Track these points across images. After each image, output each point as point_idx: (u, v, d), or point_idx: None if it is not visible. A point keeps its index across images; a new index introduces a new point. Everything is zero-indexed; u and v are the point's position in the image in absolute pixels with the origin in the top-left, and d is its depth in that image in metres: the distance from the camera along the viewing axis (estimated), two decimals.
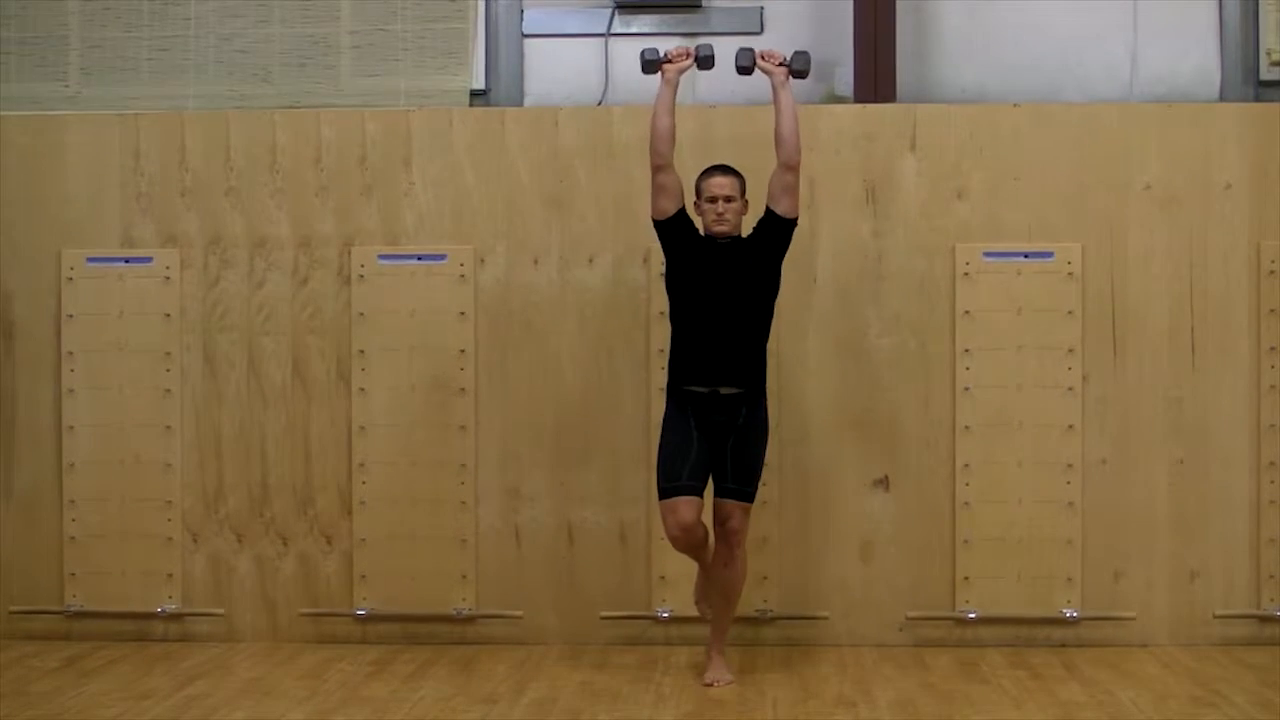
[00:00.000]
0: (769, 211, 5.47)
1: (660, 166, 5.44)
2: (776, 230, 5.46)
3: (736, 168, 5.53)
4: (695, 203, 5.51)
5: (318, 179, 6.27)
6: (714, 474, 5.41)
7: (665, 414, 5.50)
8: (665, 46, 5.63)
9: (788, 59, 5.55)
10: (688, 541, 5.37)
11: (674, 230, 5.45)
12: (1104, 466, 6.06)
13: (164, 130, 6.31)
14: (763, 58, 5.57)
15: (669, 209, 5.44)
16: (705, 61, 5.60)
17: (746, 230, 5.51)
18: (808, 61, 5.55)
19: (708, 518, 5.42)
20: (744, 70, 5.60)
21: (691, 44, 6.56)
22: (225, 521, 6.27)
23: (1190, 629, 6.03)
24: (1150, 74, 6.48)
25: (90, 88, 6.68)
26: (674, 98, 5.49)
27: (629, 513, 6.14)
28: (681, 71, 5.54)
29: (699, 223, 5.50)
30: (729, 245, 5.45)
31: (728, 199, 5.43)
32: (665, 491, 5.35)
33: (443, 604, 6.17)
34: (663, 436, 5.46)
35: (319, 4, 6.62)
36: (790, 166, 5.44)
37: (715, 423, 5.37)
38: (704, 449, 5.37)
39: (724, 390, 5.38)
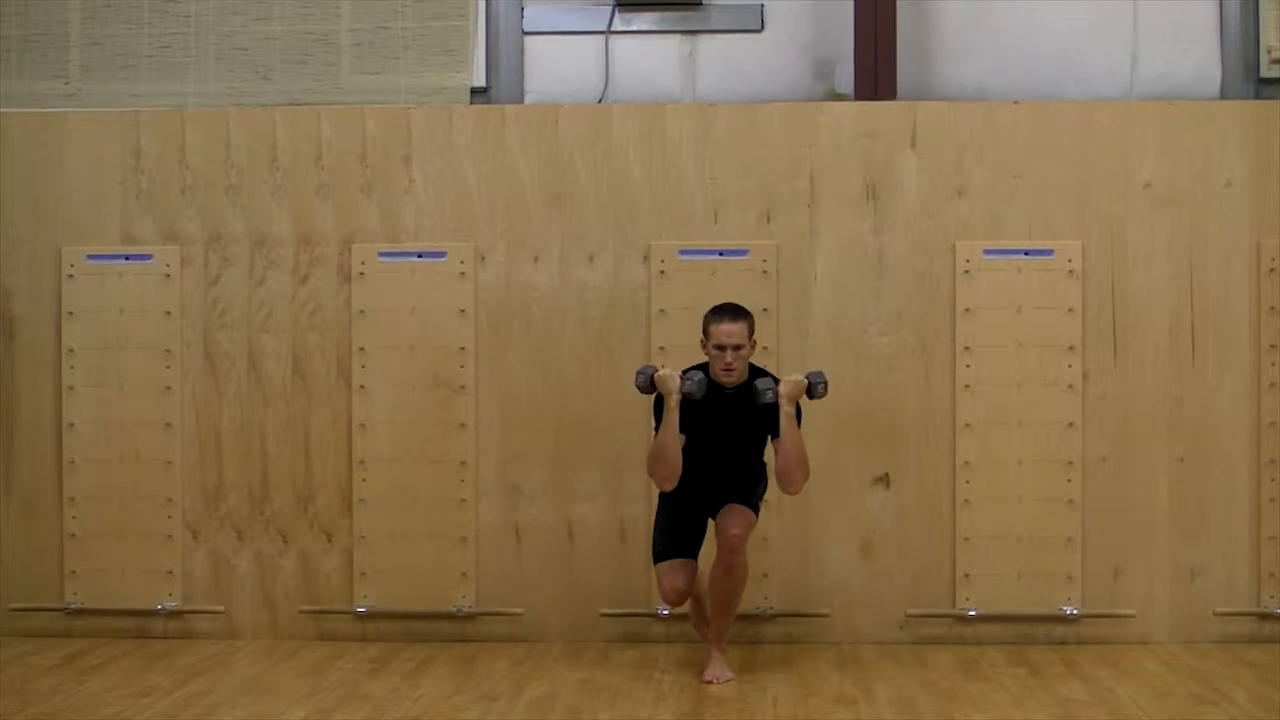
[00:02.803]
0: (772, 423, 5.39)
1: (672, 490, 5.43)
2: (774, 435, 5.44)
3: (746, 308, 5.49)
4: (702, 342, 5.48)
5: (318, 176, 6.27)
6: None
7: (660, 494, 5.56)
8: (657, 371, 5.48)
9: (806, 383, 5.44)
10: (680, 601, 5.52)
11: (686, 422, 5.41)
12: (1104, 464, 6.06)
13: (164, 127, 6.31)
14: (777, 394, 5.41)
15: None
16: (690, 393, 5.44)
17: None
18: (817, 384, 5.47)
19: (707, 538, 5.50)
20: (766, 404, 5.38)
21: (692, 42, 6.59)
22: (225, 519, 6.27)
23: (1190, 626, 6.04)
24: (1151, 72, 6.48)
25: (90, 85, 6.68)
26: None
27: (629, 510, 6.13)
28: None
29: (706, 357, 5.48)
30: (734, 395, 5.44)
31: (736, 348, 5.39)
32: (660, 555, 5.49)
33: (443, 601, 6.17)
34: (660, 503, 5.58)
35: (319, 1, 6.61)
36: (787, 493, 5.49)
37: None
38: (700, 520, 5.53)
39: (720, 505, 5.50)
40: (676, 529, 5.49)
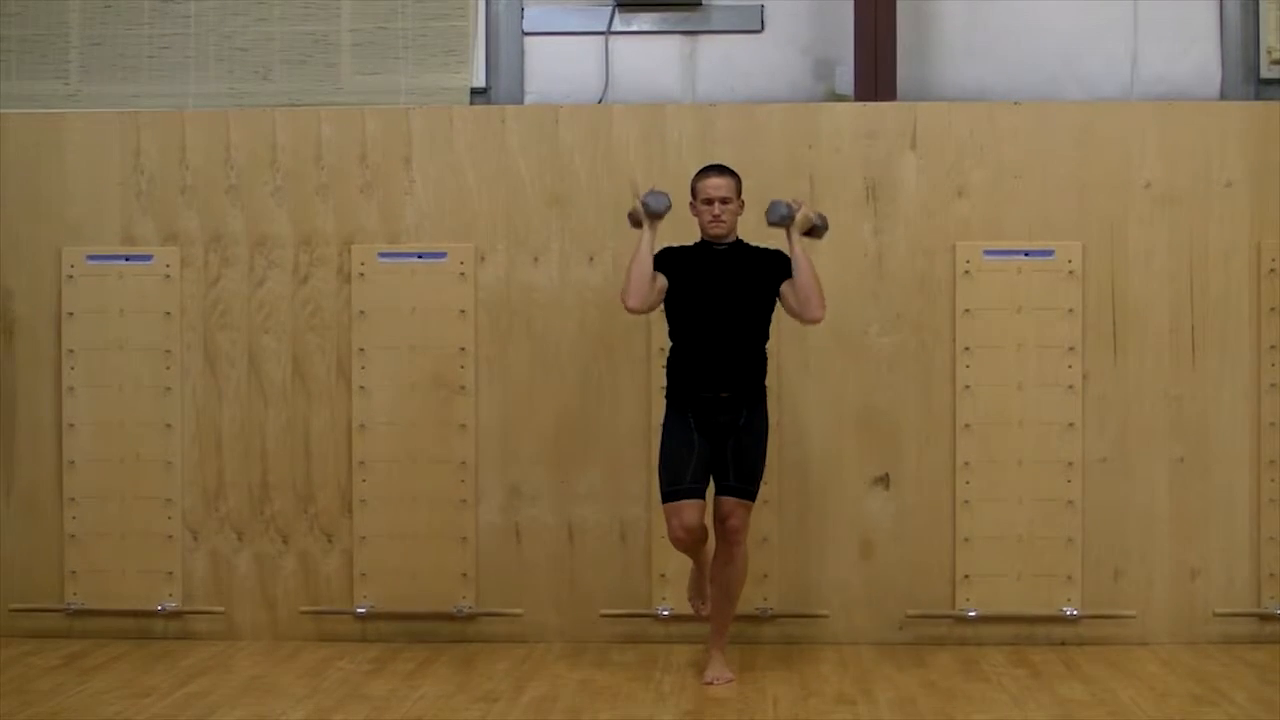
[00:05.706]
0: (780, 273, 5.38)
1: (635, 309, 5.41)
2: (780, 278, 5.41)
3: (733, 168, 5.52)
4: (691, 203, 5.51)
5: (318, 177, 6.27)
6: (715, 473, 5.41)
7: (665, 417, 5.50)
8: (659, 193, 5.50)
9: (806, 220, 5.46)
10: (690, 543, 5.40)
11: (673, 275, 5.41)
12: (1104, 465, 6.06)
13: (164, 128, 6.31)
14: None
15: (662, 293, 5.41)
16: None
17: (743, 230, 5.52)
18: (786, 213, 5.42)
19: (708, 517, 5.42)
20: (779, 223, 5.43)
21: (692, 43, 6.60)
22: (225, 519, 6.27)
23: (1190, 627, 6.04)
24: (1151, 72, 6.48)
25: (90, 85, 6.68)
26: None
27: (629, 511, 6.14)
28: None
29: (695, 224, 5.50)
30: (726, 250, 5.44)
31: (724, 200, 5.41)
32: (669, 495, 5.36)
33: (443, 602, 6.17)
34: (664, 440, 5.46)
35: (320, 2, 6.62)
36: (810, 322, 5.41)
37: (716, 424, 5.37)
38: (705, 450, 5.37)
39: (724, 394, 5.38)
40: (682, 463, 5.34)
